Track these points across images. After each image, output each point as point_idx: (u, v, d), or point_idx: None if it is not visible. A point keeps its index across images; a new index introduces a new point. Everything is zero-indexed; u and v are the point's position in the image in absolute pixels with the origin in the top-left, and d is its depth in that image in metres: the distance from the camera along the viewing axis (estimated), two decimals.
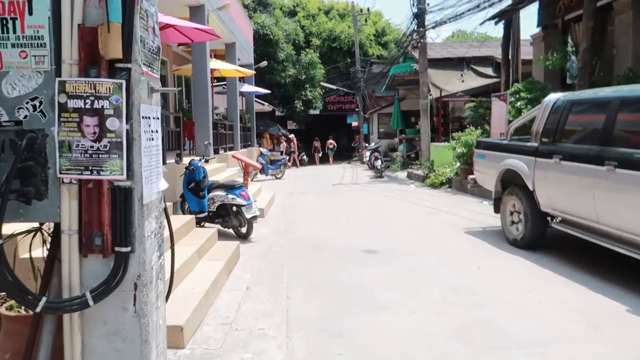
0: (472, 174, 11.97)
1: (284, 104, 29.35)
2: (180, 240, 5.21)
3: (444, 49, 20.88)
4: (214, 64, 12.01)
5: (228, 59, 14.73)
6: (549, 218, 5.80)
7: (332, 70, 35.23)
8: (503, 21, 12.79)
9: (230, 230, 7.27)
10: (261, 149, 17.33)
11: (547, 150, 5.53)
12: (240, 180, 8.81)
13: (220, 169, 10.59)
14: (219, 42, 14.61)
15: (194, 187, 7.57)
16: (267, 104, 24.04)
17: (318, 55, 30.90)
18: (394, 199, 11.44)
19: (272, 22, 26.31)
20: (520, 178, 6.08)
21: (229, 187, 7.03)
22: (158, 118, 2.35)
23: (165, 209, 2.58)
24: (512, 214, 6.35)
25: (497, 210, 6.79)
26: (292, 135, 25.73)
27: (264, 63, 21.11)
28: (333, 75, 34.86)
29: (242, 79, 18.75)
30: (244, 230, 7.10)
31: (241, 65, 19.19)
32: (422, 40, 15.37)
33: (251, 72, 13.45)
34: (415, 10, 15.55)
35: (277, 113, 33.35)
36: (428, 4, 15.47)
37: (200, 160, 7.72)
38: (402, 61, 22.65)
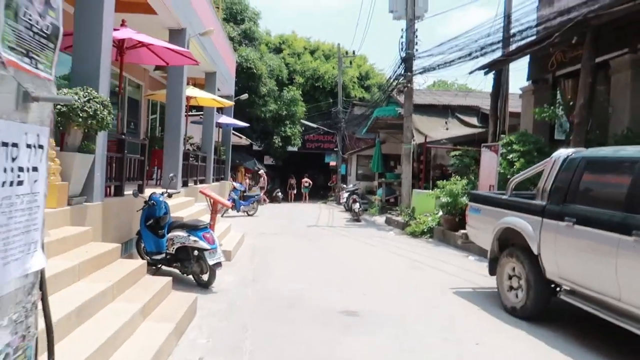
0: (456, 225, 11.43)
1: (262, 138, 28.72)
2: (124, 293, 4.29)
3: (428, 95, 20.76)
4: (191, 91, 11.28)
5: (207, 88, 14.05)
6: (555, 287, 5.10)
7: (313, 109, 34.99)
8: (494, 72, 12.54)
9: (190, 277, 6.34)
10: (234, 183, 16.49)
11: (557, 211, 4.88)
12: (207, 219, 7.93)
13: (187, 204, 9.68)
14: (199, 70, 13.97)
15: (153, 224, 6.68)
16: (244, 137, 23.34)
17: (300, 92, 30.63)
18: (373, 246, 10.67)
19: (256, 57, 26.00)
20: (521, 239, 5.40)
21: (192, 228, 6.15)
22: (42, 147, 1.49)
23: (44, 301, 1.63)
24: (510, 278, 5.64)
25: (492, 272, 6.08)
26: (261, 171, 24.87)
27: (245, 95, 20.54)
28: (314, 114, 34.59)
29: (221, 110, 18.06)
30: (205, 277, 6.18)
31: (221, 96, 18.54)
32: (408, 85, 15.04)
33: (230, 103, 12.78)
34: (403, 54, 15.29)
35: (255, 147, 32.68)
36: (417, 50, 15.25)
37: (162, 194, 6.84)
38: (386, 104, 22.46)
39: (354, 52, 32.17)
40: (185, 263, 6.19)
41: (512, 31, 11.99)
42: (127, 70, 13.60)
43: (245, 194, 16.96)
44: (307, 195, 31.93)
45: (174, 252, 6.28)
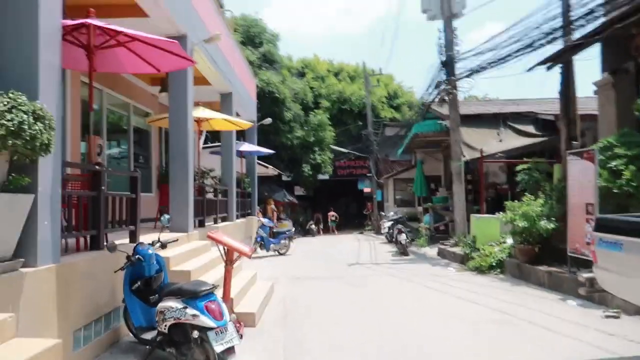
0: (536, 257, 9.09)
1: (291, 167, 26.92)
2: None
3: (472, 105, 18.56)
4: (200, 112, 9.48)
5: (223, 112, 12.30)
6: None
7: (342, 133, 33.14)
8: (560, 65, 10.34)
9: None
10: (262, 219, 14.55)
11: None
12: (218, 274, 5.94)
13: (201, 250, 7.74)
14: (212, 91, 12.28)
15: (142, 287, 4.72)
16: (271, 167, 21.56)
17: (328, 116, 28.87)
18: (436, 291, 8.41)
19: (278, 80, 24.45)
20: None
21: (190, 295, 4.13)
22: None
23: None
24: None
25: None
26: (272, 206, 22.35)
27: (268, 120, 18.83)
28: (343, 139, 32.72)
29: (242, 137, 16.34)
30: None
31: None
32: (453, 91, 12.94)
33: (248, 124, 10.94)
34: (442, 57, 13.26)
35: (284, 178, 30.91)
36: (457, 51, 13.21)
37: (152, 245, 4.89)
38: (422, 120, 20.37)
39: (380, 70, 30.44)
40: (182, 348, 4.14)
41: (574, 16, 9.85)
42: (133, 96, 12.01)
43: (275, 231, 14.96)
44: (334, 229, 30.48)
45: (166, 330, 4.26)
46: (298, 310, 7.02)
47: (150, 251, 4.73)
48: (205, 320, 3.94)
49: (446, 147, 21.31)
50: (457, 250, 12.17)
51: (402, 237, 13.96)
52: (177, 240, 5.40)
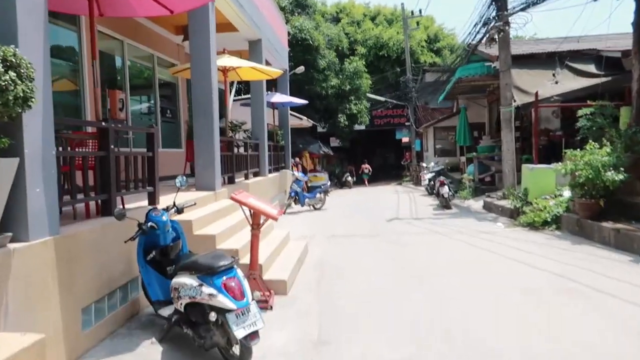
0: (600, 212, 8.10)
1: (326, 118, 25.99)
2: None
3: (524, 45, 16.96)
4: (225, 60, 8.73)
5: (252, 60, 11.51)
6: None
7: (379, 81, 31.74)
8: None
9: (215, 350, 3.77)
10: (296, 173, 13.95)
11: None
12: (248, 237, 5.39)
13: (229, 209, 7.23)
14: (240, 39, 11.46)
15: (158, 257, 4.22)
16: (305, 118, 20.77)
17: (364, 63, 27.46)
18: (485, 251, 7.65)
19: (311, 26, 23.15)
20: None
21: (207, 270, 3.56)
22: None
23: None
24: None
25: None
26: (296, 159, 21.32)
27: (301, 68, 17.89)
28: (380, 87, 31.37)
29: (274, 88, 15.54)
30: (235, 351, 3.59)
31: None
32: (504, 28, 11.60)
33: (278, 71, 10.08)
34: None
35: (319, 129, 30.10)
36: None
37: (166, 210, 4.34)
38: (466, 63, 18.93)
39: (420, 11, 28.41)
40: (200, 330, 3.63)
41: None
42: (157, 47, 11.36)
43: (309, 185, 14.39)
44: (366, 181, 29.98)
45: (182, 309, 3.75)
46: (334, 274, 6.46)
47: (164, 218, 4.18)
48: (224, 301, 3.38)
49: (492, 92, 19.88)
50: (506, 203, 11.27)
51: (445, 190, 13.11)
52: (194, 203, 4.83)
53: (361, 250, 8.10)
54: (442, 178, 13.44)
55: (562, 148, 14.33)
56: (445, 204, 13.24)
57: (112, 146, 4.58)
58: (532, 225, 9.36)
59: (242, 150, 10.50)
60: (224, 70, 9.27)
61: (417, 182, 26.10)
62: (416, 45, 33.29)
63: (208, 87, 7.55)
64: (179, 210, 4.48)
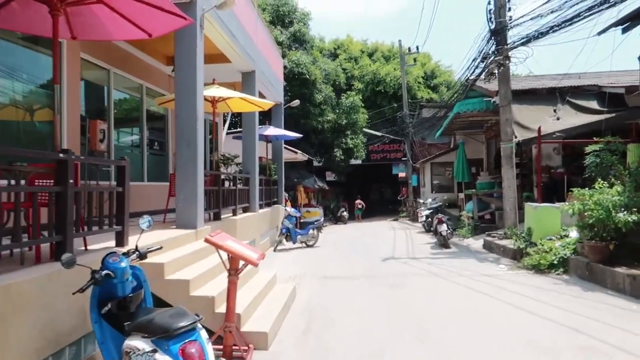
0: (610, 255, 7.49)
1: (322, 152, 25.64)
2: None
3: (523, 81, 16.75)
4: (214, 90, 8.31)
5: (245, 93, 11.16)
6: None
7: (375, 116, 31.64)
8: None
9: None
10: (288, 208, 13.40)
11: None
12: (214, 294, 4.79)
13: (208, 251, 6.63)
14: (233, 70, 11.13)
15: (114, 311, 3.61)
16: (300, 152, 20.39)
17: (361, 98, 27.36)
18: (490, 297, 7.04)
19: (308, 60, 23.08)
20: None
21: (162, 332, 2.96)
22: None
23: None
24: None
25: None
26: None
27: (297, 102, 17.60)
28: (377, 121, 31.24)
29: (268, 121, 15.17)
30: None
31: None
32: (504, 63, 11.32)
33: (269, 103, 9.66)
34: (492, 25, 11.64)
35: (314, 163, 29.74)
36: (510, 17, 11.55)
37: (126, 255, 3.77)
38: (464, 98, 18.74)
39: (417, 48, 28.51)
40: None
41: None
42: (146, 78, 11.01)
43: (302, 221, 13.82)
44: (359, 217, 29.23)
45: None
46: (323, 323, 5.82)
47: (123, 264, 3.59)
48: None
49: (489, 128, 19.61)
50: (508, 243, 10.70)
51: (443, 228, 12.56)
52: (160, 247, 4.24)
53: (354, 294, 7.47)
54: (440, 215, 12.91)
55: (564, 186, 13.92)
56: (443, 243, 12.66)
57: (72, 180, 4.05)
58: (537, 268, 8.77)
59: (231, 184, 9.98)
60: (213, 101, 8.85)
61: (414, 218, 25.55)
62: (413, 82, 33.39)
63: (192, 116, 7.10)
64: (142, 256, 3.90)
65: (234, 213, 9.93)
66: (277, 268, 9.92)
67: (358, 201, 29.56)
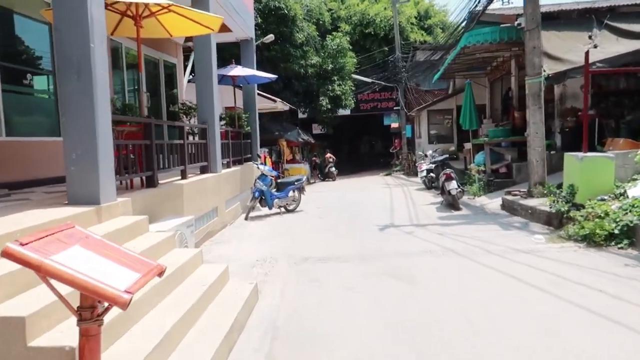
0: None
1: (306, 102, 22.89)
2: None
3: (543, 3, 13.99)
4: None
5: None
6: None
7: (365, 61, 28.70)
8: None
9: None
10: (260, 166, 10.88)
11: None
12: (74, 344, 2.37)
13: (132, 231, 4.23)
14: None
15: None
16: (280, 100, 17.69)
17: (348, 40, 24.34)
18: (543, 292, 4.72)
19: None
20: None
21: None
22: None
23: None
24: None
25: None
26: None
27: (270, 37, 14.81)
28: (366, 67, 28.34)
29: (235, 60, 12.43)
30: None
31: (235, 41, 12.93)
32: None
33: (218, 18, 6.82)
34: None
35: (300, 115, 27.00)
36: None
37: None
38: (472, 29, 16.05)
39: None
40: None
41: None
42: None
43: (280, 181, 11.38)
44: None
45: None
46: (294, 357, 3.49)
47: None
48: None
49: (495, 68, 17.02)
50: (538, 204, 8.41)
51: (452, 185, 10.21)
52: None
53: (345, 292, 5.12)
54: (448, 171, 10.52)
55: (594, 132, 11.57)
56: (452, 203, 10.36)
57: None
58: (590, 240, 6.49)
59: (178, 140, 7.43)
60: (135, 17, 6.13)
61: (409, 172, 23.28)
62: (405, 22, 30.29)
63: (82, 29, 4.47)
64: None
65: (183, 175, 7.44)
66: (241, 246, 7.56)
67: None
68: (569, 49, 10.02)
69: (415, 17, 31.76)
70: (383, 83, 27.12)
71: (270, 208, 10.71)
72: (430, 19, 33.01)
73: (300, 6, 20.64)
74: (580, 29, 10.64)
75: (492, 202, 10.61)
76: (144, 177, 6.12)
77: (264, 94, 17.00)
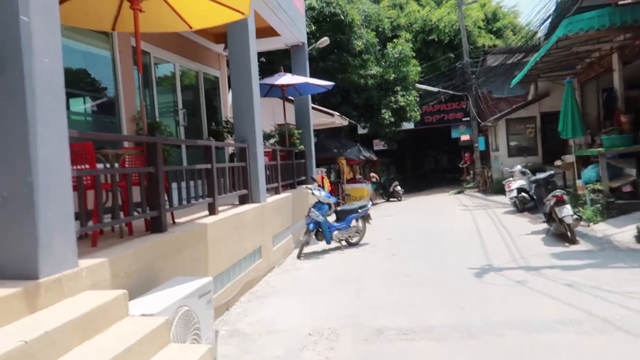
0: None
1: (367, 116, 20.90)
2: None
3: None
4: None
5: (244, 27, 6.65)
6: None
7: (428, 70, 26.34)
8: None
9: None
10: (315, 191, 8.87)
11: None
12: None
13: (103, 316, 2.35)
14: None
15: None
16: (338, 114, 15.81)
17: (411, 47, 22.20)
18: None
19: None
20: None
21: None
22: None
23: None
24: None
25: None
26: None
27: (326, 40, 13.00)
28: (430, 76, 25.96)
29: (283, 68, 10.71)
30: None
31: (284, 48, 11.25)
32: None
33: (246, 2, 5.00)
34: None
35: (360, 130, 25.03)
36: None
37: None
38: (554, 27, 13.52)
39: None
40: None
41: None
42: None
43: (340, 208, 9.37)
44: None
45: None
46: None
47: None
48: None
49: (589, 66, 14.28)
50: None
51: (567, 212, 7.74)
52: None
53: None
54: (559, 192, 8.04)
55: None
56: (564, 233, 7.89)
57: None
58: None
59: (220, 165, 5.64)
60: None
61: (486, 189, 20.54)
62: (472, 26, 27.73)
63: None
64: None
65: (212, 210, 5.62)
66: (289, 303, 5.58)
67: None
68: None
69: (483, 20, 29.13)
70: (451, 92, 24.62)
71: (328, 242, 8.70)
72: (499, 22, 30.23)
73: (358, 12, 18.81)
74: None
75: (621, 232, 8.00)
76: (149, 217, 4.33)
77: (319, 107, 15.21)
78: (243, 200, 6.92)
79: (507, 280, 6.01)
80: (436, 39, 27.62)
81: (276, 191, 8.65)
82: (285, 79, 9.45)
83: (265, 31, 10.03)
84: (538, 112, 18.75)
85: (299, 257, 8.24)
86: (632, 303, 4.73)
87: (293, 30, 10.33)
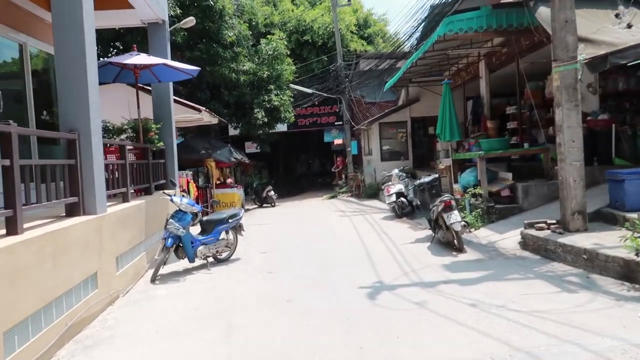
0: None
1: (239, 115, 19.41)
2: None
3: None
4: None
5: None
6: None
7: (302, 72, 25.69)
8: None
9: None
10: (175, 198, 7.21)
11: None
12: None
13: None
14: None
15: None
16: (205, 110, 14.11)
17: (285, 45, 21.25)
18: None
19: None
20: None
21: None
22: None
23: None
24: None
25: None
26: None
27: (191, 20, 11.34)
28: (303, 77, 25.34)
29: (137, 46, 8.91)
30: None
31: (142, 26, 9.42)
32: None
33: None
34: None
35: (231, 131, 23.42)
36: None
37: None
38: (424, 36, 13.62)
39: None
40: None
41: None
42: None
43: (206, 219, 7.84)
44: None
45: None
46: None
47: None
48: None
49: (457, 73, 14.68)
50: (596, 246, 5.59)
51: (455, 218, 7.20)
52: None
53: None
54: (447, 197, 7.51)
55: (610, 141, 9.24)
56: (455, 242, 7.37)
57: None
58: None
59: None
60: None
61: (359, 194, 20.38)
62: (345, 30, 27.79)
63: None
64: None
65: (12, 228, 3.81)
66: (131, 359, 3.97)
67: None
68: (596, 29, 7.49)
69: (355, 25, 29.46)
70: (325, 94, 24.24)
71: (191, 260, 7.14)
72: (370, 28, 30.91)
73: (230, 0, 17.29)
74: (601, 6, 8.21)
75: (504, 238, 7.73)
76: None
77: (185, 101, 13.41)
78: (72, 210, 5.12)
79: (405, 303, 5.11)
80: (310, 40, 27.17)
81: (124, 198, 6.87)
82: (138, 58, 7.67)
83: (114, 0, 8.14)
84: (409, 117, 19.04)
85: (153, 280, 6.57)
86: (548, 327, 4.07)
87: (151, 3, 8.56)
